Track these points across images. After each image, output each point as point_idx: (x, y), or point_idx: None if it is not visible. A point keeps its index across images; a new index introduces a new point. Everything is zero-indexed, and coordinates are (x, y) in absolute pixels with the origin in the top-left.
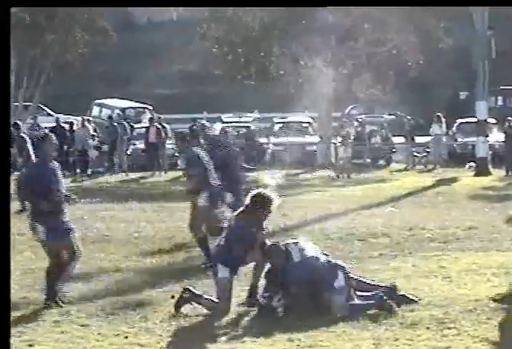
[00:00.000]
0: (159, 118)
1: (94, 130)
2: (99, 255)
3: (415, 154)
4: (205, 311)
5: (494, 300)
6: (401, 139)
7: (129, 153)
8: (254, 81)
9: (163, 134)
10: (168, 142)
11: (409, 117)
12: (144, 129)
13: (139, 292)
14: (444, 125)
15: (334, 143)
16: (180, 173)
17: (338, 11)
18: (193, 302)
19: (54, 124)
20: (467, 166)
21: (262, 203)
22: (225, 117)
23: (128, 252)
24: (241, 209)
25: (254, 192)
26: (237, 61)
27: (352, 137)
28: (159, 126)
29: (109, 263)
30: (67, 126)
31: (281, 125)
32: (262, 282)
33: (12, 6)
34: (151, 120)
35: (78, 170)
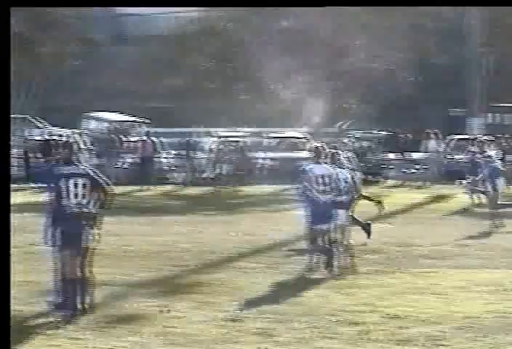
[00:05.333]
0: (148, 131)
1: (84, 143)
2: (91, 269)
3: (404, 170)
4: None
5: None
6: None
7: (120, 167)
8: (248, 95)
9: (153, 148)
10: (160, 156)
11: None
12: (133, 143)
13: (130, 306)
14: (438, 141)
15: None
16: (173, 187)
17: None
18: None
19: (40, 137)
20: (457, 183)
21: None
22: (217, 131)
23: (119, 266)
24: None
25: None
26: (230, 76)
27: None
28: (149, 140)
29: (100, 276)
30: (57, 139)
31: (276, 140)
32: None
33: (11, 6)
34: (142, 134)
35: None
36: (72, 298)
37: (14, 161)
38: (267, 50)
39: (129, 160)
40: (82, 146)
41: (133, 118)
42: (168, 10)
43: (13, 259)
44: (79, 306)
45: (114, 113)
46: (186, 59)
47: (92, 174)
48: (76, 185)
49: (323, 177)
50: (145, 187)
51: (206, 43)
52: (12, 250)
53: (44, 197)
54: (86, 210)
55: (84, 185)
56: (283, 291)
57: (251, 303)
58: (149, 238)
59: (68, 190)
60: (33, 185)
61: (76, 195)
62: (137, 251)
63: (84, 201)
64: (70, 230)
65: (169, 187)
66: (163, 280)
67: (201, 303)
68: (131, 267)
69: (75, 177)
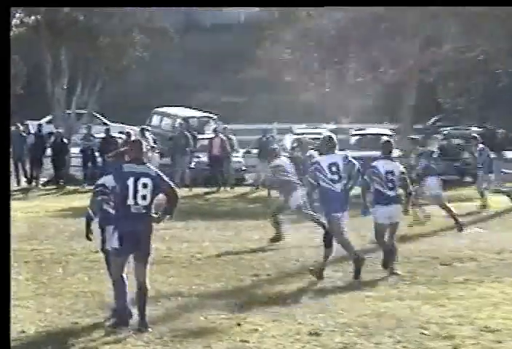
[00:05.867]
0: (225, 128)
1: (154, 141)
2: (158, 278)
3: (503, 170)
4: None
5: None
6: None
7: (192, 167)
8: (330, 88)
9: (227, 146)
10: (234, 154)
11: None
12: (208, 140)
13: (201, 319)
14: None
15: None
16: (248, 189)
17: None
18: None
19: (102, 134)
20: None
21: None
22: (296, 128)
23: (188, 274)
24: None
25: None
26: (310, 67)
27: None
28: (223, 138)
29: (169, 287)
30: (123, 137)
31: (358, 137)
32: None
33: (12, 6)
34: (215, 131)
35: None
36: (130, 310)
37: (73, 161)
38: (349, 40)
39: (204, 159)
40: (151, 144)
41: (206, 114)
42: None
43: (71, 267)
44: (141, 319)
45: (186, 109)
46: (260, 49)
47: (158, 174)
48: (144, 185)
49: (392, 173)
50: (219, 188)
51: (282, 33)
52: (70, 257)
53: (102, 197)
54: (149, 212)
55: (150, 186)
56: (367, 302)
57: (332, 315)
58: (221, 244)
59: (135, 191)
60: (90, 188)
61: (142, 197)
62: (209, 259)
63: (149, 203)
64: (131, 233)
65: (243, 189)
66: (237, 290)
67: (278, 315)
68: (202, 276)
69: (141, 177)
